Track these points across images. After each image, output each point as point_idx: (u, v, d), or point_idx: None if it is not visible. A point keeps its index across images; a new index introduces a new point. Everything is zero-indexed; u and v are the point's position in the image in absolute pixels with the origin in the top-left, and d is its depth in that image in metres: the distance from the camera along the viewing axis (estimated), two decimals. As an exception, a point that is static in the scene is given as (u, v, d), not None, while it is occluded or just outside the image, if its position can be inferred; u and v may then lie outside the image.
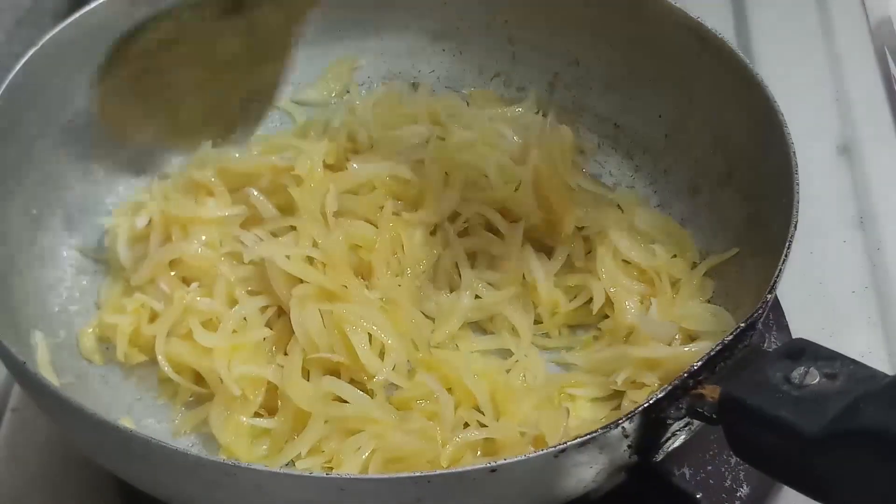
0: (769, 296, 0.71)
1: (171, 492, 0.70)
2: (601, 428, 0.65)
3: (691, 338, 0.83)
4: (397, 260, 0.89)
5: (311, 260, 0.85)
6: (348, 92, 1.03)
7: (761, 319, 0.70)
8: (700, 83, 0.90)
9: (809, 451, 0.60)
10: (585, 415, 0.82)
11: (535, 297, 0.88)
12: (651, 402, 0.66)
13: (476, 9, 1.01)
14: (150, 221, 0.89)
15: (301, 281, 0.84)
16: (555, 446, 0.64)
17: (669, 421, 0.67)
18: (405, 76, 1.04)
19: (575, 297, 0.89)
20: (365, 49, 1.04)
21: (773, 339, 0.89)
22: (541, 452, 0.64)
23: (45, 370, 0.79)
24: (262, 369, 0.81)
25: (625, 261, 0.89)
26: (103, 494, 0.82)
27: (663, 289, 0.86)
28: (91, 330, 0.86)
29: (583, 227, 0.91)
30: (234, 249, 0.88)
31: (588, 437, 0.64)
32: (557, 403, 0.82)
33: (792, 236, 0.74)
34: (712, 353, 0.67)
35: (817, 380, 0.62)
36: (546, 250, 0.91)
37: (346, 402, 0.79)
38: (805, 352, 0.64)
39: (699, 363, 0.67)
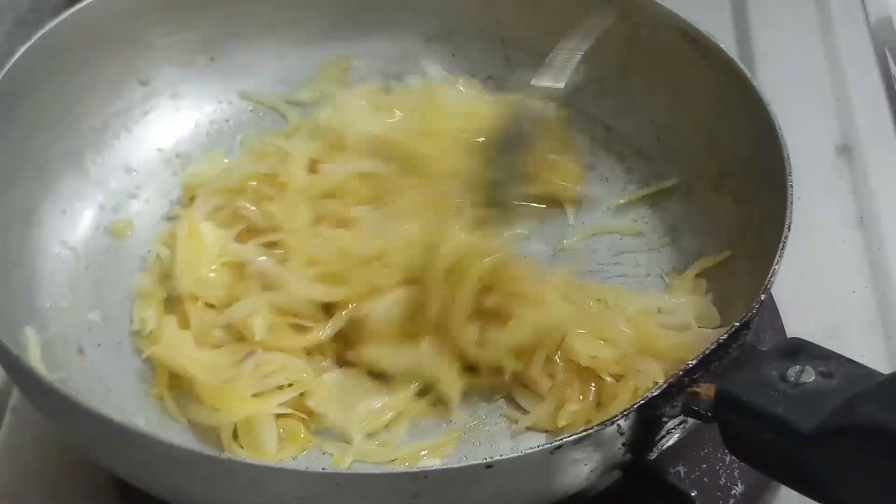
0: (763, 296, 0.71)
1: (165, 487, 0.70)
2: (597, 425, 0.65)
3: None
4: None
5: None
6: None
7: (755, 318, 0.71)
8: (693, 85, 0.90)
9: (804, 448, 0.61)
10: None
11: None
12: (646, 399, 0.66)
13: (469, 10, 1.01)
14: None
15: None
16: (550, 443, 0.64)
17: (664, 419, 0.68)
18: (398, 77, 1.04)
19: None
20: (358, 50, 1.04)
21: (768, 339, 0.89)
22: (536, 449, 0.64)
23: (37, 366, 0.78)
24: None
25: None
26: (102, 494, 0.81)
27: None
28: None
29: None
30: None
31: (583, 434, 0.64)
32: None
33: (786, 237, 0.74)
34: (707, 352, 0.67)
35: (813, 378, 0.62)
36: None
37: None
38: (800, 350, 0.65)
39: (694, 361, 0.67)
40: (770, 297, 0.90)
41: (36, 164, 0.89)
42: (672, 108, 0.93)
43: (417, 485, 0.63)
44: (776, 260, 0.73)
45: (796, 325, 0.91)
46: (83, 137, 0.93)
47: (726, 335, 0.68)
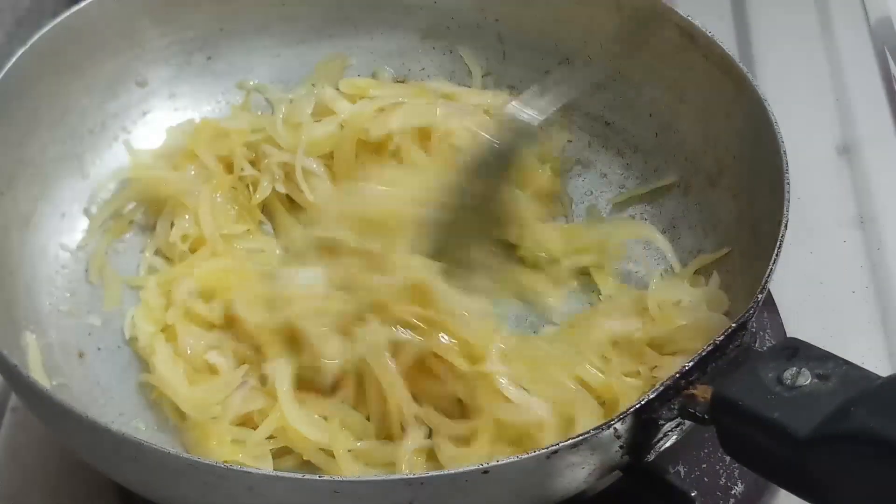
0: (760, 295, 0.71)
1: (163, 494, 0.70)
2: (593, 429, 0.65)
3: None
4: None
5: None
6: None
7: (752, 319, 0.70)
8: (691, 82, 0.90)
9: (801, 452, 0.60)
10: None
11: None
12: (643, 402, 0.66)
13: (466, 7, 1.01)
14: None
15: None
16: (547, 447, 0.64)
17: (661, 422, 0.67)
18: (395, 74, 1.04)
19: None
20: (355, 47, 1.03)
21: (767, 339, 0.89)
22: (533, 454, 0.64)
23: (37, 371, 0.79)
24: None
25: None
26: (102, 494, 0.82)
27: None
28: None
29: None
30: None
31: (580, 438, 0.64)
32: None
33: (783, 236, 0.74)
34: (704, 354, 0.67)
35: (809, 381, 0.62)
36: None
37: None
38: (797, 352, 0.64)
39: (691, 363, 0.67)
40: (770, 296, 0.90)
41: (34, 167, 0.89)
42: (670, 104, 0.93)
43: (414, 490, 0.63)
44: (773, 259, 0.72)
45: (796, 325, 0.91)
46: (81, 139, 0.93)
47: (723, 336, 0.68)
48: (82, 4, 0.90)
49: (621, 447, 0.67)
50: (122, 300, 0.89)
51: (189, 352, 0.84)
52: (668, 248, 0.91)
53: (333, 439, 0.77)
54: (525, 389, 0.78)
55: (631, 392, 0.78)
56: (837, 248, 1.01)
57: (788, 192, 0.76)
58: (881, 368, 0.63)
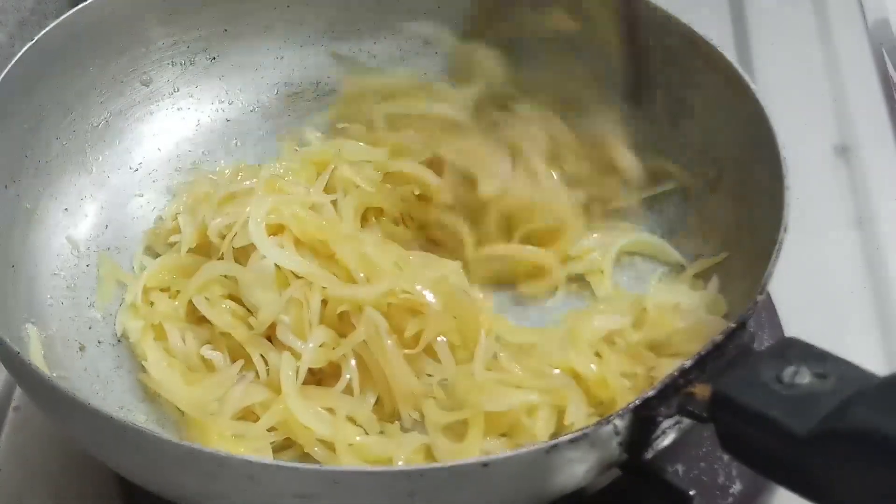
0: (759, 297, 0.71)
1: (164, 483, 0.70)
2: (593, 424, 0.65)
3: None
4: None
5: None
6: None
7: (751, 319, 0.71)
8: (690, 87, 0.90)
9: (800, 450, 0.60)
10: None
11: None
12: (642, 399, 0.66)
13: (468, 12, 1.01)
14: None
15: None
16: (546, 442, 0.64)
17: (660, 419, 0.68)
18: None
19: None
20: (358, 50, 1.04)
21: (765, 339, 0.90)
22: (532, 448, 0.64)
23: (38, 363, 0.79)
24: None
25: None
26: (105, 493, 0.82)
27: None
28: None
29: None
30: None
31: (579, 433, 0.64)
32: None
33: (782, 239, 0.74)
34: (703, 353, 0.67)
35: (808, 379, 0.62)
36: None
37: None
38: (796, 351, 0.64)
39: (690, 362, 0.67)
40: (768, 297, 0.90)
41: (38, 162, 0.89)
42: (670, 108, 0.93)
43: (414, 483, 0.63)
44: (772, 261, 0.73)
45: (795, 325, 0.91)
46: (85, 137, 0.94)
47: (722, 336, 0.68)
48: (88, 2, 0.91)
49: (620, 444, 0.67)
50: (112, 295, 0.90)
51: (181, 349, 0.84)
52: (667, 252, 0.91)
53: (336, 432, 0.78)
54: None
55: (627, 392, 0.78)
56: (836, 248, 1.02)
57: (788, 195, 0.77)
58: (879, 368, 0.63)
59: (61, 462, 0.85)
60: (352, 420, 0.80)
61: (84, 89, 0.93)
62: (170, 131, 0.99)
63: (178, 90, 1.00)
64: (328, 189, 0.93)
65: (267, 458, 0.76)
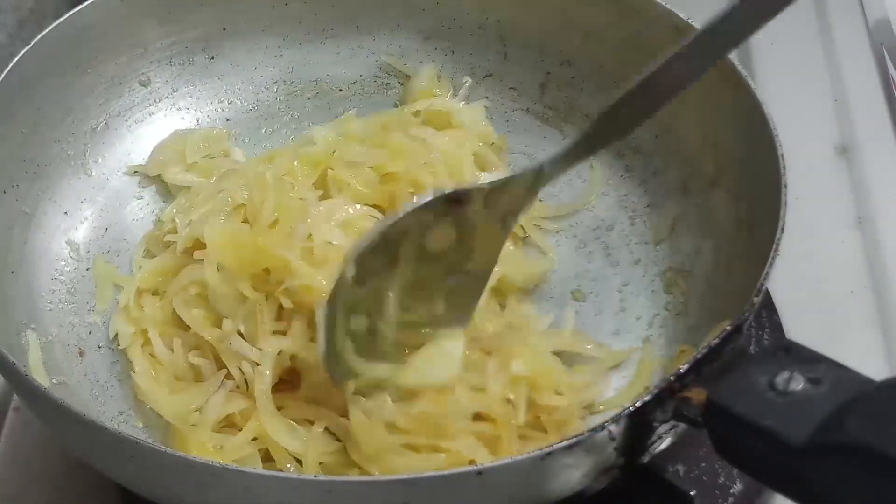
0: (756, 299, 0.71)
1: (160, 492, 0.71)
2: (588, 431, 0.65)
3: None
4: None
5: None
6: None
7: (748, 322, 0.71)
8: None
9: (795, 459, 0.60)
10: None
11: None
12: (637, 405, 0.66)
13: (468, 8, 1.01)
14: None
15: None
16: (541, 449, 0.64)
17: (655, 423, 0.68)
18: (397, 75, 1.04)
19: None
20: (357, 48, 1.04)
21: (766, 339, 0.89)
22: (527, 455, 0.64)
23: (37, 370, 0.80)
24: None
25: None
26: (104, 494, 0.82)
27: None
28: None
29: None
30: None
31: (575, 440, 0.64)
32: None
33: (779, 239, 0.74)
34: (699, 357, 0.67)
35: (801, 385, 0.62)
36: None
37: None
38: (790, 354, 0.64)
39: (686, 366, 0.67)
40: (769, 296, 0.90)
41: (37, 165, 0.89)
42: (669, 106, 0.93)
43: (408, 491, 0.63)
44: (769, 262, 0.73)
45: (795, 326, 0.91)
46: (85, 138, 0.94)
47: (718, 339, 0.68)
48: (86, 4, 0.91)
49: (616, 449, 0.67)
50: (111, 299, 0.89)
51: (167, 357, 0.84)
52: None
53: (307, 448, 0.77)
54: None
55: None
56: (836, 248, 1.02)
57: (786, 195, 0.76)
58: (879, 368, 0.63)
59: (61, 463, 0.85)
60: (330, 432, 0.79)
61: (82, 91, 0.94)
62: (169, 132, 0.99)
63: (176, 90, 1.00)
64: (322, 188, 0.93)
65: (260, 468, 0.76)
